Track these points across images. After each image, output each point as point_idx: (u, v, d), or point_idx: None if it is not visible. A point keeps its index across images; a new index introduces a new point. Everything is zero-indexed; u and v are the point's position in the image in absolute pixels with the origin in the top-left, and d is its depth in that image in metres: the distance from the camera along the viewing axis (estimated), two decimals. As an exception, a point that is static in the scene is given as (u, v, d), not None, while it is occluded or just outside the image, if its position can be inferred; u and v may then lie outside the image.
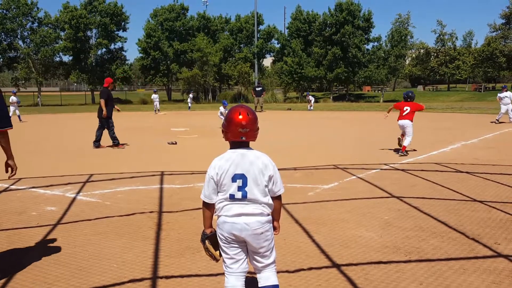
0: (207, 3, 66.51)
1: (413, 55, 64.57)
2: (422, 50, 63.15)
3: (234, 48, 52.42)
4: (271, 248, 2.55)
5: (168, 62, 49.98)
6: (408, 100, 9.77)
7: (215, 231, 2.57)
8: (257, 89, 27.92)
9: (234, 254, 2.51)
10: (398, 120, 9.79)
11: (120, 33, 49.81)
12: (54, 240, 4.23)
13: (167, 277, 3.35)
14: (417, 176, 7.09)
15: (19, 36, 45.42)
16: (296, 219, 4.80)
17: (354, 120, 20.83)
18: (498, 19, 61.36)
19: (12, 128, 3.34)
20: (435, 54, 60.52)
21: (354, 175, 7.15)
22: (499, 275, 3.34)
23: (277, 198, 2.56)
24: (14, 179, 6.77)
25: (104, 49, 49.42)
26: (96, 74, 46.94)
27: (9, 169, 3.41)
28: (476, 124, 17.00)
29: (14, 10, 43.71)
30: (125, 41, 51.33)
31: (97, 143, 11.02)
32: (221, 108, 16.62)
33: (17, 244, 4.13)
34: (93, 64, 48.59)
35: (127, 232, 4.42)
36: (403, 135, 9.83)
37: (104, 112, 10.70)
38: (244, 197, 2.44)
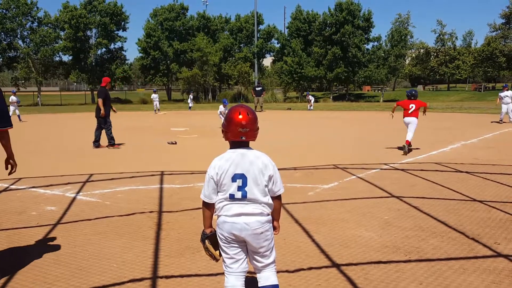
0: (207, 3, 66.63)
1: (413, 55, 64.59)
2: (422, 50, 63.16)
3: (234, 47, 52.41)
4: (271, 248, 2.55)
5: (168, 61, 49.97)
6: (412, 98, 9.99)
7: (215, 231, 2.57)
8: (257, 89, 27.92)
9: (234, 254, 2.51)
10: (404, 118, 9.99)
11: (120, 32, 49.86)
12: (54, 240, 4.23)
13: (167, 277, 3.36)
14: (417, 176, 7.09)
15: (18, 36, 45.40)
16: (296, 219, 4.80)
17: (354, 120, 20.83)
18: (498, 19, 61.52)
19: (12, 127, 3.37)
20: (435, 54, 60.54)
21: (354, 175, 7.16)
22: (498, 275, 3.34)
23: (277, 198, 2.56)
24: (14, 178, 6.78)
25: (104, 49, 49.45)
26: (96, 73, 46.91)
27: (9, 166, 3.47)
28: (476, 124, 17.01)
29: (14, 9, 43.68)
30: (125, 41, 51.38)
31: (96, 143, 11.02)
32: (221, 107, 16.60)
33: (17, 243, 4.13)
34: (93, 63, 48.59)
35: (127, 232, 4.42)
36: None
37: (102, 111, 10.70)
38: (244, 197, 2.44)
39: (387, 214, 4.94)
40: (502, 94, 17.05)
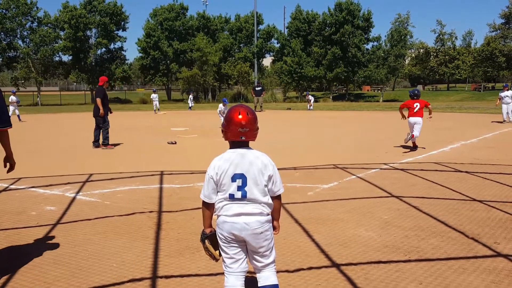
0: (207, 3, 66.62)
1: (413, 55, 64.58)
2: (421, 50, 63.15)
3: (233, 47, 52.37)
4: (271, 247, 2.55)
5: (168, 61, 49.93)
6: (415, 97, 10.11)
7: (215, 231, 2.57)
8: (256, 88, 27.92)
9: (234, 254, 2.51)
10: (409, 117, 10.05)
11: (120, 32, 49.76)
12: (53, 239, 4.23)
13: (166, 277, 3.36)
14: (416, 175, 7.10)
15: (18, 36, 45.35)
16: (295, 218, 4.80)
17: (354, 120, 20.83)
18: (498, 18, 61.54)
19: (11, 127, 3.39)
20: (435, 54, 60.52)
21: (354, 175, 7.16)
22: (498, 274, 3.34)
23: (276, 198, 2.56)
24: (13, 178, 6.78)
25: (103, 49, 49.37)
26: (95, 73, 46.86)
27: (8, 164, 3.51)
28: (475, 123, 17.01)
29: (14, 9, 43.63)
30: (125, 41, 51.27)
31: (96, 143, 11.01)
32: (221, 106, 16.58)
33: (16, 243, 4.13)
34: (93, 63, 48.55)
35: (127, 232, 4.42)
36: (412, 135, 9.98)
37: (101, 110, 10.69)
38: (244, 197, 2.44)
39: (387, 214, 4.94)
40: (502, 94, 16.99)
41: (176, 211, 5.15)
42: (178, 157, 9.72)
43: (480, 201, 5.43)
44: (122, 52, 50.86)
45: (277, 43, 52.90)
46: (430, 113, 10.41)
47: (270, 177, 2.49)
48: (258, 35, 51.03)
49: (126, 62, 52.27)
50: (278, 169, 2.58)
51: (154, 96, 29.03)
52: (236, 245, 2.50)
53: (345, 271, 3.43)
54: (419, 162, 8.48)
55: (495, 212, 4.95)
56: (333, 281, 3.26)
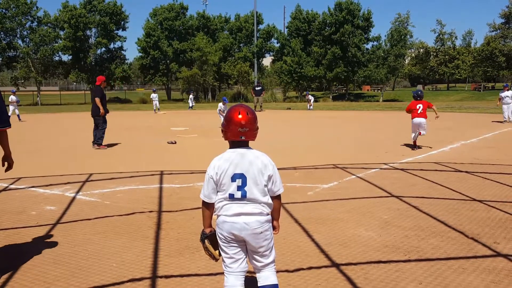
0: (207, 3, 66.62)
1: (413, 55, 64.57)
2: (421, 50, 63.15)
3: (233, 47, 52.38)
4: (271, 247, 2.55)
5: (168, 61, 49.94)
6: (418, 98, 10.16)
7: (215, 231, 2.57)
8: (256, 88, 27.92)
9: (234, 254, 2.51)
10: (413, 119, 10.09)
11: (120, 32, 49.82)
12: (53, 239, 4.23)
13: (166, 277, 3.36)
14: (416, 175, 7.10)
15: (18, 35, 45.36)
16: (295, 218, 4.80)
17: (354, 120, 20.83)
18: (498, 18, 61.45)
19: (10, 127, 3.40)
20: (435, 54, 60.52)
21: (354, 175, 7.16)
22: (498, 274, 3.34)
23: (276, 198, 2.56)
24: (13, 178, 6.78)
25: (103, 49, 49.40)
26: (95, 73, 46.70)
27: (6, 163, 3.53)
28: (475, 123, 17.01)
29: (14, 9, 43.65)
30: (125, 41, 51.25)
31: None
32: (220, 105, 16.56)
33: (16, 243, 4.13)
34: (93, 63, 48.56)
35: (127, 232, 4.42)
36: (420, 132, 10.10)
37: (102, 110, 10.68)
38: (244, 197, 2.44)
39: (387, 214, 4.94)
40: (502, 94, 16.95)
41: (176, 211, 5.15)
42: (178, 157, 9.72)
43: (480, 201, 5.43)
44: (122, 51, 50.95)
45: (277, 43, 52.95)
46: (436, 114, 10.54)
47: (270, 177, 2.49)
48: (258, 35, 51.02)
49: (126, 61, 52.35)
50: (278, 169, 2.58)
51: (154, 96, 29.04)
52: (235, 245, 2.50)
53: (344, 271, 3.43)
54: (419, 162, 8.48)
55: (495, 212, 4.95)
56: (333, 281, 3.26)
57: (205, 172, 2.54)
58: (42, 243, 4.12)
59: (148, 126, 18.03)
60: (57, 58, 48.35)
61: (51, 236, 4.33)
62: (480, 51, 53.03)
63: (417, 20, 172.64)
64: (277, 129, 15.92)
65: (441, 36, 59.04)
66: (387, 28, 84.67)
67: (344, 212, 5.06)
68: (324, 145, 11.55)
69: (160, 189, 6.33)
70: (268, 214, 2.51)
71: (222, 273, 2.60)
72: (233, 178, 2.44)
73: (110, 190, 6.24)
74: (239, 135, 2.46)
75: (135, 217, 4.94)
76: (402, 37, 50.71)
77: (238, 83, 47.90)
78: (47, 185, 6.57)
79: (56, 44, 45.90)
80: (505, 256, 3.69)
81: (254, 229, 2.44)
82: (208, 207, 2.55)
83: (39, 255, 3.80)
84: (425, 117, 9.99)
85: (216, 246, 2.59)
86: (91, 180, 6.94)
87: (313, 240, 4.13)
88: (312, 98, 30.66)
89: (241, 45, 52.75)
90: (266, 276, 2.55)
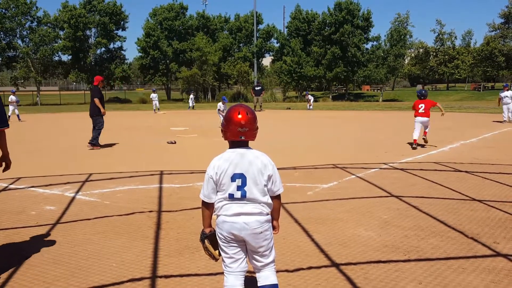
0: (207, 2, 66.57)
1: (412, 55, 64.54)
2: (421, 50, 63.12)
3: (233, 47, 52.36)
4: (270, 247, 2.55)
5: (167, 61, 49.93)
6: (422, 98, 10.27)
7: (214, 231, 2.57)
8: (256, 88, 27.91)
9: (233, 254, 2.51)
10: (416, 117, 10.21)
11: (119, 32, 49.79)
12: (53, 239, 4.23)
13: (166, 277, 3.36)
14: (416, 175, 7.10)
15: (18, 35, 45.33)
16: (295, 218, 4.80)
17: (354, 120, 20.83)
18: (497, 18, 61.23)
19: (8, 127, 3.41)
20: (434, 54, 60.50)
21: (354, 175, 7.16)
22: (498, 274, 3.34)
23: (276, 198, 2.56)
24: (13, 178, 6.77)
25: (103, 48, 49.38)
26: (95, 73, 46.69)
27: (3, 163, 3.54)
28: (475, 123, 17.01)
29: (13, 9, 43.61)
30: (124, 40, 51.27)
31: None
32: (220, 104, 16.54)
33: (16, 243, 4.13)
34: (92, 63, 48.54)
35: (127, 232, 4.42)
36: (425, 131, 10.29)
37: (103, 110, 10.68)
38: (243, 197, 2.44)
39: (387, 214, 4.94)
40: (502, 94, 16.95)
41: (176, 211, 5.15)
42: (178, 156, 9.72)
43: (480, 201, 5.43)
44: (122, 51, 50.94)
45: (277, 43, 52.95)
46: (442, 111, 10.80)
47: (269, 177, 2.49)
48: (257, 35, 51.02)
49: (126, 61, 52.34)
50: (278, 169, 2.58)
51: (153, 95, 29.03)
52: (235, 244, 2.50)
53: (344, 270, 3.43)
54: (419, 161, 8.48)
55: (494, 212, 4.96)
56: (333, 281, 3.26)
57: (204, 172, 2.54)
58: (41, 243, 4.12)
59: (148, 126, 18.03)
60: (56, 58, 48.39)
61: (51, 236, 4.33)
62: (480, 51, 53.04)
63: (416, 20, 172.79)
64: (277, 129, 15.92)
65: (440, 36, 59.04)
66: (387, 28, 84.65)
67: (344, 212, 5.06)
68: (324, 145, 11.55)
69: (160, 189, 6.33)
70: (268, 214, 2.51)
71: (222, 273, 2.60)
72: (233, 178, 2.44)
73: (109, 190, 6.24)
74: (238, 135, 2.46)
75: (135, 217, 4.94)
76: (402, 37, 50.68)
77: (237, 83, 47.90)
78: (46, 185, 6.57)
79: (56, 44, 45.88)
80: (505, 256, 3.69)
81: (254, 229, 2.44)
82: (207, 207, 2.55)
83: (39, 255, 3.80)
84: (428, 116, 10.07)
85: (216, 246, 2.59)
86: (91, 180, 6.94)
87: (313, 240, 4.14)
88: (311, 98, 30.66)
89: (241, 45, 52.74)
90: (266, 276, 2.56)
